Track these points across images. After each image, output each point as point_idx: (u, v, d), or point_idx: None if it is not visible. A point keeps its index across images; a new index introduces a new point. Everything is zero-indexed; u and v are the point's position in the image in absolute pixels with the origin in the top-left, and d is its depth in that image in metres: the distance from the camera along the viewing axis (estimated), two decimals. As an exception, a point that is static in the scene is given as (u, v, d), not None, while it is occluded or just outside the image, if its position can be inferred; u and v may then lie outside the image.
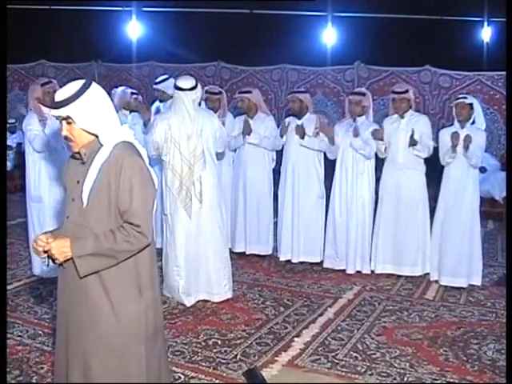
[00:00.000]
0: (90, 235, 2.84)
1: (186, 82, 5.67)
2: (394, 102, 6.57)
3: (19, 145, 11.77)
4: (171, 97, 7.50)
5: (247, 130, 7.05)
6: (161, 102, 7.75)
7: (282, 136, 7.01)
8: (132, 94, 7.61)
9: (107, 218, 2.88)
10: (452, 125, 6.35)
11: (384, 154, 6.62)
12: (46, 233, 3.00)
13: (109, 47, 14.08)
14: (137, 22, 14.96)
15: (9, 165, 11.12)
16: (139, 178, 2.86)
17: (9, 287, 6.01)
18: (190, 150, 5.60)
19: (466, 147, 6.03)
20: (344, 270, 6.82)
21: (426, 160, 6.59)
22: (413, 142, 6.33)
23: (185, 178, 5.59)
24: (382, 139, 6.48)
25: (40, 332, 4.99)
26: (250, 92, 7.34)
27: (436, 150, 6.44)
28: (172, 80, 7.68)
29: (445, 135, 6.29)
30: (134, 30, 14.92)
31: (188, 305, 5.68)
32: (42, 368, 4.34)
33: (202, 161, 5.65)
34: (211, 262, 5.79)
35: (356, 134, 6.57)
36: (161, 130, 5.60)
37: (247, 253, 7.35)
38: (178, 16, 14.47)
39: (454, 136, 6.07)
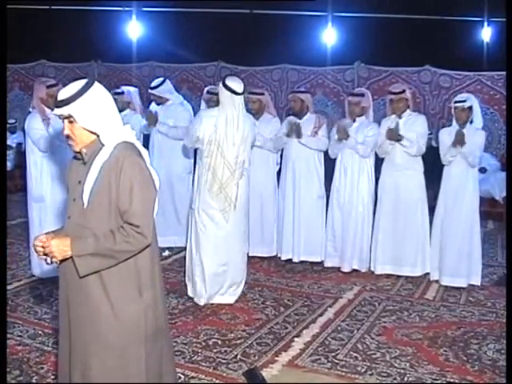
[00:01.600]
0: (90, 235, 2.84)
1: (239, 85, 5.59)
2: (391, 103, 6.56)
3: (19, 145, 11.78)
4: (167, 100, 7.54)
5: None
6: (158, 104, 7.70)
7: (288, 135, 6.95)
8: (116, 93, 7.59)
9: (107, 218, 2.88)
10: (451, 125, 6.34)
11: (384, 154, 6.61)
12: (47, 233, 2.99)
13: (109, 47, 14.07)
14: (137, 22, 14.94)
15: (9, 165, 11.13)
16: (139, 178, 2.86)
17: (9, 287, 6.01)
18: (234, 155, 5.58)
19: (463, 143, 6.03)
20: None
21: (426, 160, 6.59)
22: (394, 138, 6.37)
23: (225, 183, 5.59)
24: (398, 140, 6.42)
25: (40, 332, 5.00)
26: (262, 94, 7.35)
27: (436, 149, 6.43)
28: (168, 82, 7.69)
29: (444, 135, 6.30)
30: (134, 30, 14.91)
31: (201, 304, 5.69)
32: (42, 368, 4.34)
33: (243, 168, 5.68)
34: (235, 266, 5.81)
35: (345, 136, 6.59)
36: (206, 130, 5.54)
37: (250, 254, 7.32)
38: (178, 16, 14.46)
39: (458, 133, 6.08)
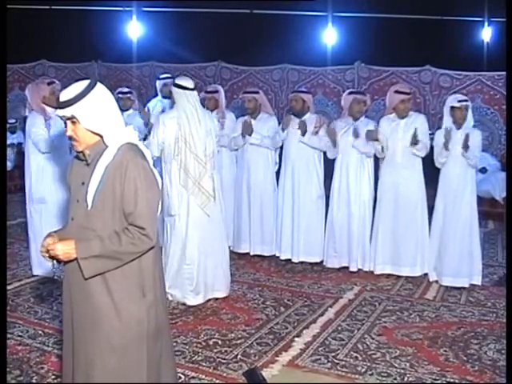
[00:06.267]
0: (95, 237, 2.84)
1: (189, 81, 5.72)
2: (401, 103, 6.46)
3: (19, 145, 11.79)
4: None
5: (248, 131, 7.05)
6: (164, 98, 7.75)
7: (283, 130, 6.97)
8: (122, 93, 7.66)
9: (111, 219, 2.88)
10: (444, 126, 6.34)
11: (382, 154, 6.61)
12: (50, 234, 2.99)
13: (109, 47, 14.09)
14: (137, 22, 14.97)
15: (9, 165, 11.12)
16: (144, 179, 2.86)
17: (9, 287, 6.01)
18: (202, 149, 5.62)
19: (466, 147, 6.03)
20: (344, 269, 6.84)
21: (425, 159, 6.58)
22: (415, 141, 6.33)
23: (199, 178, 5.62)
24: (376, 139, 6.48)
25: (40, 332, 5.00)
26: (257, 92, 7.38)
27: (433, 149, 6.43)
28: None
29: (440, 137, 6.28)
30: (135, 30, 14.94)
31: (195, 303, 5.70)
32: (43, 368, 4.34)
33: (213, 160, 5.76)
34: (222, 258, 5.90)
35: (357, 135, 6.58)
36: (171, 131, 5.58)
37: (251, 253, 7.36)
38: (178, 16, 14.48)
39: (447, 132, 6.09)
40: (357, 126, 6.64)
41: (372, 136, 6.51)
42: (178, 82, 5.72)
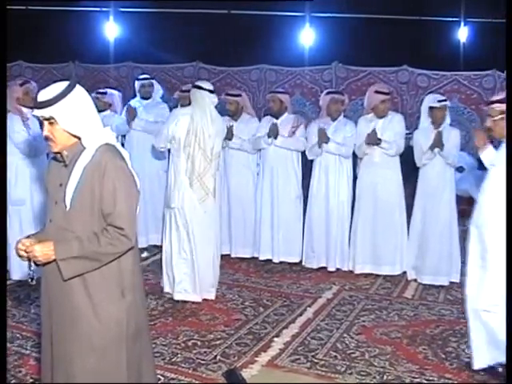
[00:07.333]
0: (74, 238, 2.84)
1: (208, 84, 5.90)
2: (381, 103, 6.48)
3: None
4: (150, 97, 7.59)
5: (228, 136, 7.01)
6: (143, 99, 7.69)
7: (269, 137, 6.90)
8: (98, 93, 7.60)
9: (90, 220, 2.87)
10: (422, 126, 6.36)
11: (363, 155, 6.61)
12: (28, 236, 2.98)
13: (86, 48, 14.02)
14: (114, 22, 14.90)
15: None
16: (123, 180, 2.86)
17: (-14, 290, 5.95)
18: (210, 147, 5.72)
19: (441, 145, 6.07)
20: (322, 269, 6.84)
21: (402, 159, 6.61)
22: (373, 141, 6.38)
23: (202, 173, 5.70)
24: (378, 142, 6.41)
25: (18, 335, 4.95)
26: (239, 95, 7.33)
27: (413, 149, 6.45)
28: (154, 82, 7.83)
29: (418, 136, 6.32)
30: (112, 30, 14.88)
31: (192, 300, 5.73)
32: (20, 371, 4.31)
33: (218, 161, 5.88)
34: (214, 258, 5.92)
35: (327, 140, 6.60)
36: (183, 124, 5.68)
37: (232, 256, 7.33)
38: (155, 16, 14.45)
39: (438, 134, 6.11)
40: (324, 129, 6.64)
41: (372, 139, 6.41)
42: (198, 84, 5.90)
